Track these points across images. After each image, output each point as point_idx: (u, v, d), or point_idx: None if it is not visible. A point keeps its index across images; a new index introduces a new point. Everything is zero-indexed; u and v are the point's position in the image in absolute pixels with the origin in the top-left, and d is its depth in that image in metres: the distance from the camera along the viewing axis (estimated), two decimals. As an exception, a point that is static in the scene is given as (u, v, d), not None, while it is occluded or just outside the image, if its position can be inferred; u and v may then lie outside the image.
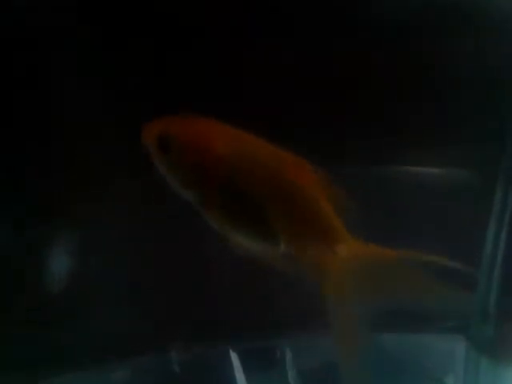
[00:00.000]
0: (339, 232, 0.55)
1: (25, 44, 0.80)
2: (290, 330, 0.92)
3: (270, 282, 0.83)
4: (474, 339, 0.87)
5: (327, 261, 0.55)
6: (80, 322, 0.89)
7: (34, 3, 0.79)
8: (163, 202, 0.70)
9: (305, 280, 0.57)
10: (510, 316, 0.84)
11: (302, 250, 0.56)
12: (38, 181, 0.86)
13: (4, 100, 0.80)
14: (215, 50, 0.80)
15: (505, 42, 0.78)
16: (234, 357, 0.91)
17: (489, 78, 0.80)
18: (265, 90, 0.81)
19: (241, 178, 0.55)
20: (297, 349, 0.93)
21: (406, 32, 0.79)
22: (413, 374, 0.90)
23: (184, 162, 0.55)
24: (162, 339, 0.89)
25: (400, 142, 0.82)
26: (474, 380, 0.88)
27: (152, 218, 0.88)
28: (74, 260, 0.92)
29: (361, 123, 0.82)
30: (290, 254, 0.56)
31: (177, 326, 0.91)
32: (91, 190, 0.87)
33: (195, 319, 0.92)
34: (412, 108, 0.82)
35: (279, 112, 0.81)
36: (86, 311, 0.89)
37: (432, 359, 0.93)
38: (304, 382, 0.91)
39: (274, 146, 0.56)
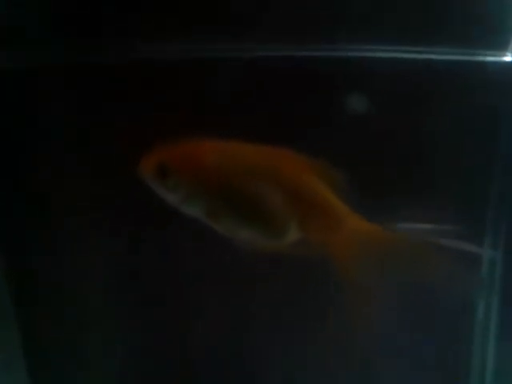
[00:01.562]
0: (341, 210, 0.60)
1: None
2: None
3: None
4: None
5: (333, 237, 0.60)
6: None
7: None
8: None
9: (315, 261, 0.62)
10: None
11: (310, 232, 0.61)
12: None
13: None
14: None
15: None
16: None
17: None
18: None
19: (238, 181, 0.60)
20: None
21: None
22: None
23: (182, 181, 0.60)
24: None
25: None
26: None
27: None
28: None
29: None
30: (299, 239, 0.61)
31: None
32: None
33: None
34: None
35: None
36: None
37: None
38: None
39: (263, 146, 0.61)
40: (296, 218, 0.60)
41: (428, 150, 0.77)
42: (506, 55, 0.76)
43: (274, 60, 0.72)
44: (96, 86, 0.75)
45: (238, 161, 0.61)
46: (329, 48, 0.73)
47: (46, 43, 0.74)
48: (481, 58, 0.76)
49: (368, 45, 0.73)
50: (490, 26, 0.76)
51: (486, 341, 0.85)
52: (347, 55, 0.74)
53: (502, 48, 0.76)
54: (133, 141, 0.70)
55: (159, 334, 0.87)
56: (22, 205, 0.82)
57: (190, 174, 0.60)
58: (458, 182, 0.79)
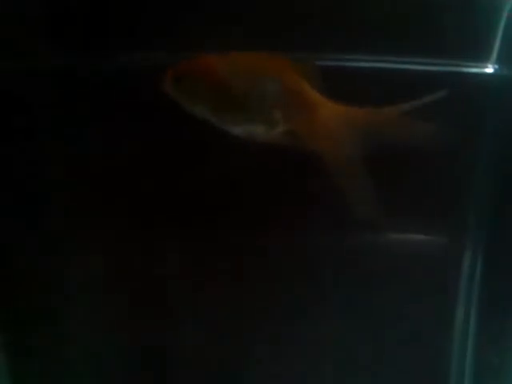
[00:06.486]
0: (318, 99, 0.69)
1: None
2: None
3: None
4: None
5: (313, 123, 0.70)
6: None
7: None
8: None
9: (301, 148, 0.71)
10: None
11: (294, 122, 0.71)
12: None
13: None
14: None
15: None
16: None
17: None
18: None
19: (235, 80, 0.72)
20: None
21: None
22: None
23: (191, 83, 0.73)
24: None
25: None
26: None
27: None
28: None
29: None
30: (286, 129, 0.70)
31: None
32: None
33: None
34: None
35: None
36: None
37: None
38: None
39: (256, 53, 0.73)
40: (282, 109, 0.71)
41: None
42: (487, 67, 0.77)
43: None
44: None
45: (235, 64, 0.74)
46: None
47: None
48: (463, 70, 0.77)
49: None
50: (472, 37, 0.77)
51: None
52: (342, 64, 0.77)
53: (483, 60, 0.77)
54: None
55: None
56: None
57: (196, 76, 0.73)
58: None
